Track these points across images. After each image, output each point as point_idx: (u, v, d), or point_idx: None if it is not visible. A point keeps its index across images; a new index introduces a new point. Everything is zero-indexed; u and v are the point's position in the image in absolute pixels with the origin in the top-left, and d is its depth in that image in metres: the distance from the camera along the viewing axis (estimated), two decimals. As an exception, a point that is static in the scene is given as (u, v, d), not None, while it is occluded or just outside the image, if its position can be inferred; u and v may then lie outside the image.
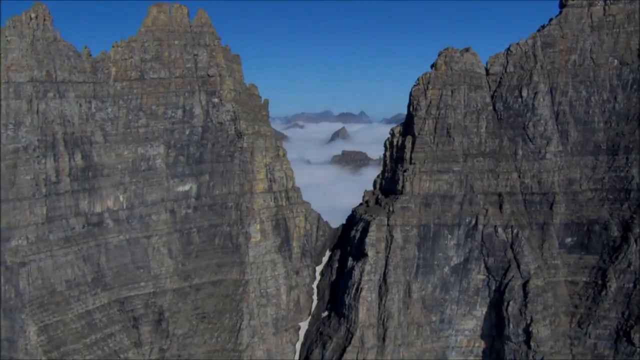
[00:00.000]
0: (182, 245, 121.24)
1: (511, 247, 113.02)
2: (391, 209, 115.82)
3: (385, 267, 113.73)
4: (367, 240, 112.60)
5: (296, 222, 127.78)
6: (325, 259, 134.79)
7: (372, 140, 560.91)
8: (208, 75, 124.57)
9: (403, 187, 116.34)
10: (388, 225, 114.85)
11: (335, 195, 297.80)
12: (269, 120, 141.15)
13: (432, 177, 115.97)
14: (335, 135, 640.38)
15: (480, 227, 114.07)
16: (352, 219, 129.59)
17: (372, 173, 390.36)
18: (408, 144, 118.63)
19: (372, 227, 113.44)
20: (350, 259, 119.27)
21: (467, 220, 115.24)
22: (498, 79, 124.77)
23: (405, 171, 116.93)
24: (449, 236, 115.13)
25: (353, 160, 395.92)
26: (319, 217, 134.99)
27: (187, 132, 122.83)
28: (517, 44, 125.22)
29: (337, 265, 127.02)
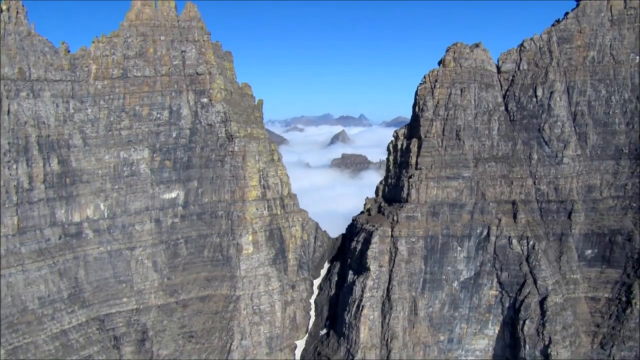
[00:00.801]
0: (168, 258, 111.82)
1: (527, 260, 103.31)
2: (395, 218, 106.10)
3: (389, 282, 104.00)
4: (369, 252, 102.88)
5: (292, 232, 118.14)
6: (323, 272, 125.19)
7: (372, 144, 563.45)
8: (197, 73, 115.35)
9: (408, 194, 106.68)
10: (392, 236, 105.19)
11: (334, 199, 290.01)
12: (264, 122, 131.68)
13: (440, 184, 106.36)
14: (335, 139, 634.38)
15: (492, 238, 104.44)
16: (353, 229, 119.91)
17: (372, 177, 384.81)
18: (413, 148, 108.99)
19: (375, 239, 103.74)
20: (350, 272, 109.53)
21: (478, 231, 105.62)
22: (510, 77, 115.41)
23: (410, 177, 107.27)
24: (459, 248, 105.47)
25: (353, 164, 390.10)
26: (316, 226, 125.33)
27: (173, 135, 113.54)
28: (531, 39, 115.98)
29: (336, 279, 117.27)
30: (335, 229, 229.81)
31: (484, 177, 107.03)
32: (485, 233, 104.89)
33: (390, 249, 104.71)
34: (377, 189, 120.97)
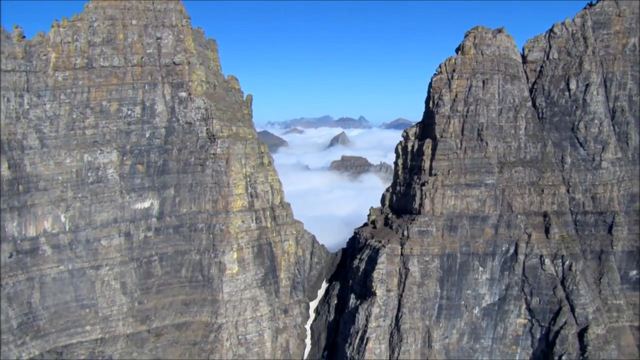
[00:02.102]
0: (140, 278, 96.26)
1: (562, 283, 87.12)
2: (405, 233, 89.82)
3: (399, 310, 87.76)
4: (374, 274, 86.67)
5: (284, 247, 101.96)
6: (321, 292, 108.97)
7: (372, 146, 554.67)
8: (174, 63, 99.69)
9: (421, 205, 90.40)
10: (402, 254, 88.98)
11: (332, 203, 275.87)
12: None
13: (458, 193, 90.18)
14: (335, 140, 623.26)
15: (521, 257, 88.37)
16: (355, 243, 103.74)
17: (372, 180, 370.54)
18: (427, 150, 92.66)
19: (382, 258, 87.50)
20: (352, 296, 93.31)
21: (503, 248, 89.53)
22: (538, 68, 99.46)
23: (423, 185, 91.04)
24: (481, 269, 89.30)
25: (353, 166, 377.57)
26: (313, 240, 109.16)
27: (146, 135, 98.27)
28: (562, 24, 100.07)
29: (336, 302, 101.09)
30: (334, 235, 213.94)
31: (510, 185, 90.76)
32: (512, 251, 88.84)
33: (399, 269, 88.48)
34: (384, 197, 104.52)
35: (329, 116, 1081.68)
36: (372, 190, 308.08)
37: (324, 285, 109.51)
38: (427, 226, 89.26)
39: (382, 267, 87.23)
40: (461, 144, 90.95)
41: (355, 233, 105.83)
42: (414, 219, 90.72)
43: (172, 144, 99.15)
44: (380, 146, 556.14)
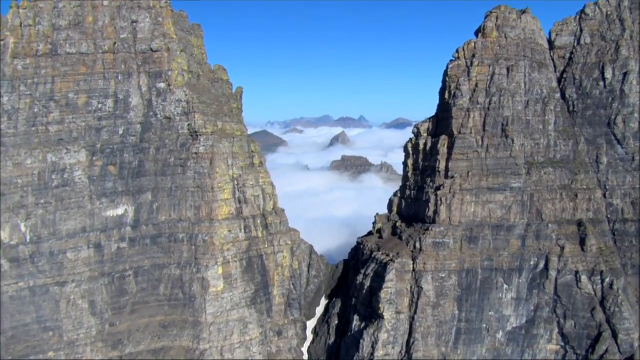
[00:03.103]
0: (112, 296, 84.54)
1: (602, 304, 74.32)
2: (418, 245, 77.27)
3: (410, 335, 75.32)
4: (382, 294, 74.18)
5: (278, 259, 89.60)
6: (320, 311, 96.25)
7: (373, 145, 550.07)
8: (151, 49, 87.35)
9: (436, 212, 77.80)
10: (414, 270, 76.46)
11: (332, 204, 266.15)
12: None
13: (480, 198, 77.60)
14: (335, 140, 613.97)
15: (552, 273, 76.04)
16: (358, 254, 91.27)
17: (372, 180, 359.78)
18: (443, 148, 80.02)
19: (390, 274, 74.96)
20: (356, 317, 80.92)
21: (532, 263, 77.25)
22: (568, 55, 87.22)
23: (438, 189, 78.47)
24: (505, 286, 76.94)
25: (353, 166, 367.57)
26: (311, 251, 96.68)
27: (120, 132, 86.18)
28: (595, 4, 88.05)
29: (336, 322, 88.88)
30: (333, 238, 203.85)
31: (539, 189, 78.29)
32: (542, 266, 76.57)
33: (411, 288, 75.97)
34: (391, 202, 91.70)
35: (329, 116, 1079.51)
36: (373, 191, 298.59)
37: (323, 302, 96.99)
38: (443, 237, 76.59)
39: (391, 286, 74.62)
40: (483, 141, 78.26)
41: (358, 243, 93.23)
42: (427, 229, 78.03)
43: (149, 142, 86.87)
44: (381, 146, 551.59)
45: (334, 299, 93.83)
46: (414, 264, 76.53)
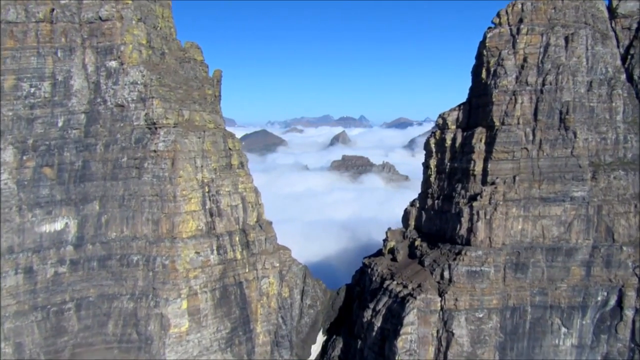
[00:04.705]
0: (46, 336, 67.26)
1: (696, 355, 54.31)
2: (447, 274, 57.57)
3: (437, 396, 54.98)
4: (399, 342, 54.76)
5: (262, 287, 70.26)
6: (316, 349, 76.35)
7: (374, 145, 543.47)
8: (100, 18, 68.40)
9: (471, 230, 57.96)
10: (442, 309, 56.76)
11: (331, 206, 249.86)
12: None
13: (529, 212, 57.92)
14: (335, 140, 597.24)
15: (628, 312, 57.21)
16: (365, 280, 71.33)
17: (373, 180, 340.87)
18: (478, 145, 60.14)
19: (410, 315, 55.31)
20: (363, 367, 60.57)
21: (600, 298, 58.19)
22: (635, 25, 67.04)
23: (474, 199, 58.78)
24: (564, 329, 57.74)
25: (354, 166, 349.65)
26: (305, 274, 77.23)
27: (58, 124, 68.88)
28: (670, -41, 67.14)
29: (337, 367, 68.41)
30: (332, 241, 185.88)
31: (609, 199, 58.53)
32: (613, 302, 57.65)
33: (438, 333, 56.29)
34: (407, 214, 71.54)
35: (329, 115, 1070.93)
36: (374, 192, 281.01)
37: (320, 338, 77.28)
38: (480, 264, 56.77)
39: (411, 331, 54.99)
40: (534, 135, 58.41)
41: (364, 265, 73.40)
42: (459, 253, 58.21)
43: (95, 136, 68.12)
44: (382, 145, 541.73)
45: (334, 337, 74.12)
46: (442, 300, 56.67)
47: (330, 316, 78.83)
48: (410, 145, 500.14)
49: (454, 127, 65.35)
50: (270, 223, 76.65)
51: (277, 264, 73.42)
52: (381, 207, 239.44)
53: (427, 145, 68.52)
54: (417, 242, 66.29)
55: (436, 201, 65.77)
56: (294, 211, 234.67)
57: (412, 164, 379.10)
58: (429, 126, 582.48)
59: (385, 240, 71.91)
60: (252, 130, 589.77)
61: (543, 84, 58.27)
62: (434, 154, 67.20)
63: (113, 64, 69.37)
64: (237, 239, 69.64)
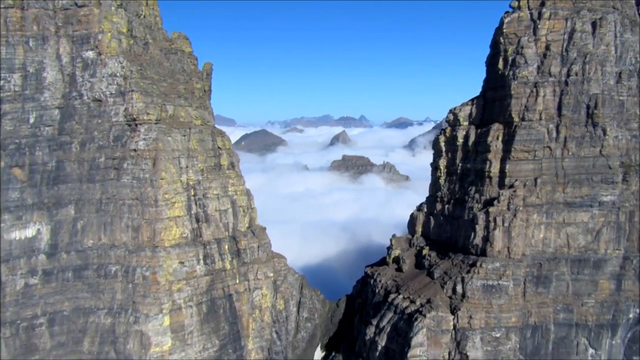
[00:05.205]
0: (15, 354, 61.51)
1: None
2: (459, 288, 51.22)
3: None
4: (406, 366, 47.58)
5: (254, 299, 64.03)
6: (314, 366, 70.01)
7: (374, 145, 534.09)
8: (75, 4, 61.96)
9: (487, 239, 51.63)
10: (455, 328, 50.16)
11: (331, 206, 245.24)
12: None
13: (553, 218, 51.61)
14: (335, 140, 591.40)
15: (664, 332, 49.29)
16: (367, 291, 65.01)
17: (373, 181, 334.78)
18: (495, 143, 53.75)
19: (419, 335, 48.97)
20: (365, 390, 54.20)
21: (631, 316, 51.09)
22: (664, 12, 60.16)
23: (490, 203, 52.43)
24: (591, 351, 51.32)
25: (354, 166, 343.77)
26: (302, 284, 70.95)
27: (30, 120, 62.47)
28: None
29: (337, 388, 62.11)
30: (331, 244, 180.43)
31: (641, 204, 51.59)
32: (646, 320, 49.78)
33: (450, 355, 49.67)
34: (413, 219, 65.03)
35: (330, 115, 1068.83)
36: (374, 192, 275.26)
37: (319, 354, 70.90)
38: (498, 277, 50.42)
39: (421, 353, 48.70)
40: (558, 132, 51.99)
41: (366, 275, 66.97)
42: (473, 264, 51.83)
43: (70, 134, 62.10)
44: (382, 145, 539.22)
45: (334, 353, 67.89)
46: (454, 318, 50.28)
47: (329, 330, 72.43)
48: (411, 145, 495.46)
49: (466, 123, 58.96)
50: (264, 229, 70.28)
51: (271, 274, 67.01)
52: (382, 208, 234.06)
53: (436, 144, 62.06)
54: (425, 251, 59.89)
55: (446, 206, 59.35)
56: (293, 212, 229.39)
57: (413, 164, 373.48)
58: (429, 126, 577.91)
59: (389, 248, 65.43)
60: (252, 130, 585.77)
61: (568, 75, 51.90)
62: (443, 154, 60.76)
63: (90, 54, 63.05)
64: (226, 247, 63.25)
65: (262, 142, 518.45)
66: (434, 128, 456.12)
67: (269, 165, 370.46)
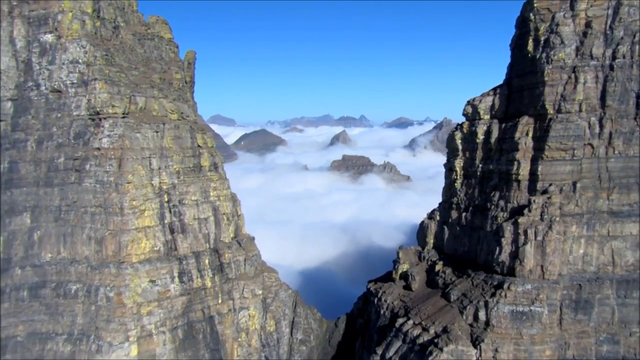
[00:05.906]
0: None
1: None
2: (482, 315, 42.40)
3: None
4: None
5: (239, 321, 55.42)
6: (310, 395, 61.22)
7: (374, 145, 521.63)
8: (31, -21, 52.72)
9: (515, 255, 42.76)
10: (477, 364, 41.09)
11: (330, 207, 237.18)
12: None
13: (595, 231, 42.66)
14: (335, 139, 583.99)
15: None
16: (370, 309, 56.41)
17: (373, 181, 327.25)
18: (523, 140, 45.07)
19: (434, 373, 39.63)
20: None
21: (690, 348, 41.70)
22: None
23: (518, 212, 43.41)
24: (641, 391, 41.54)
25: (354, 166, 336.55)
26: (295, 301, 62.08)
27: None
28: None
29: None
30: (330, 246, 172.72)
31: (701, 213, 42.76)
32: None
33: (472, 397, 40.61)
34: (424, 229, 56.24)
35: (330, 115, 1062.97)
36: (374, 193, 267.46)
37: (315, 381, 61.96)
38: (530, 302, 41.68)
39: (436, 396, 39.51)
40: (601, 127, 43.14)
41: (369, 292, 58.23)
42: (499, 286, 43.06)
43: (26, 130, 53.69)
44: (382, 145, 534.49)
45: (332, 383, 58.96)
46: (478, 351, 41.50)
47: (327, 354, 63.61)
48: (411, 145, 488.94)
49: (487, 117, 50.21)
50: (253, 239, 61.59)
51: (260, 291, 58.36)
52: (382, 209, 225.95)
53: (451, 142, 53.23)
54: (439, 267, 51.15)
55: (464, 214, 50.61)
56: (293, 213, 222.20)
57: (413, 164, 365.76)
58: (429, 126, 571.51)
59: (396, 262, 56.64)
60: (251, 130, 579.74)
61: (613, 58, 43.16)
62: (460, 153, 51.98)
63: (48, 37, 54.61)
64: (206, 261, 54.62)
65: (262, 142, 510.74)
66: (435, 128, 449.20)
67: (268, 165, 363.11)
